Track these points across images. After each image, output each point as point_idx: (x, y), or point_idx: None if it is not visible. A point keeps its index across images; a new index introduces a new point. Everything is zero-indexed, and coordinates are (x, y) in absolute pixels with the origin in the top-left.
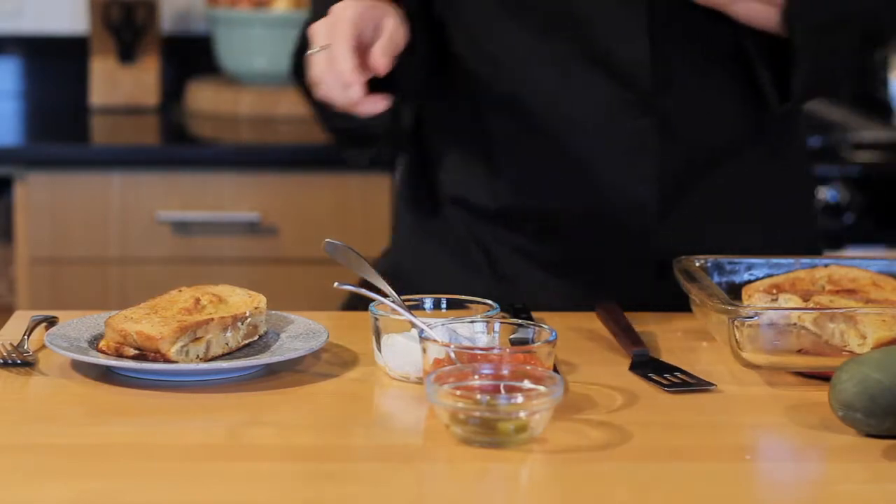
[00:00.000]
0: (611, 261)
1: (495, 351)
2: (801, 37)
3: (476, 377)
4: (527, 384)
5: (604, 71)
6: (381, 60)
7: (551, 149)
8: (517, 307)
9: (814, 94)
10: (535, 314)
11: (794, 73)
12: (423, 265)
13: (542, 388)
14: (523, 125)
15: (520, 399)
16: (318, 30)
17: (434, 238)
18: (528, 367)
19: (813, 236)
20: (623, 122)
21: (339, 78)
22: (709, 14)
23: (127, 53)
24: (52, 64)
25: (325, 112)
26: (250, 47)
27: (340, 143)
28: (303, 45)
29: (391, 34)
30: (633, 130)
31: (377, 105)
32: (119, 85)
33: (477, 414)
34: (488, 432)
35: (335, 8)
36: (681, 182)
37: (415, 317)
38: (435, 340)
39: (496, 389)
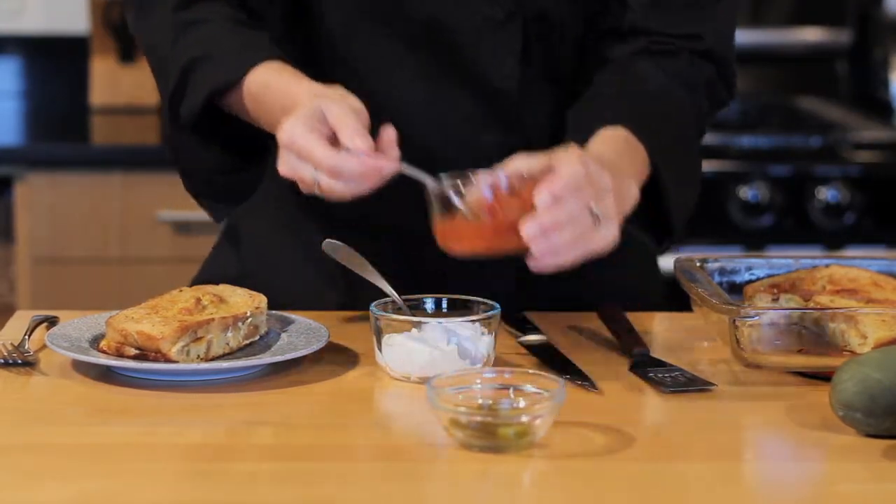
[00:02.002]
0: (471, 274)
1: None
2: (667, 176)
3: (478, 382)
4: (529, 388)
5: (471, 88)
6: (361, 142)
7: (415, 162)
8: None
9: (686, 217)
10: (530, 315)
11: (672, 210)
12: (276, 271)
13: (544, 392)
14: None
15: (522, 404)
16: (289, 164)
17: (288, 245)
18: (531, 372)
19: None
20: (489, 139)
21: (366, 178)
22: (569, 39)
23: (127, 53)
24: (53, 64)
25: (217, 161)
26: None
27: (214, 195)
28: (181, 86)
29: (348, 114)
30: (498, 147)
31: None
32: (120, 85)
33: (478, 419)
34: (489, 437)
35: (283, 137)
36: None
37: (414, 316)
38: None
39: (498, 394)
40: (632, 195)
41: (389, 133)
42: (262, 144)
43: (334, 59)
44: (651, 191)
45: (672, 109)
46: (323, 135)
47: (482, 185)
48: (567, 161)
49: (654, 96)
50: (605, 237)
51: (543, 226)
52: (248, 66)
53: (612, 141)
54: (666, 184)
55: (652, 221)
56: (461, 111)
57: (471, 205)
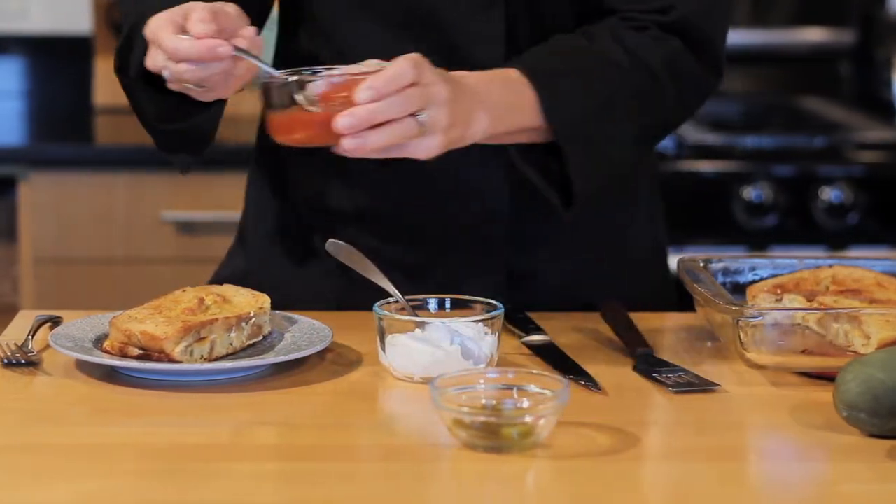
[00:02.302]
0: (464, 267)
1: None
2: (565, 131)
3: (481, 382)
4: (532, 388)
5: (458, 70)
6: (201, 27)
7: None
8: (509, 307)
9: (597, 186)
10: (535, 314)
11: (571, 170)
12: (272, 267)
13: (547, 392)
14: None
15: (525, 404)
16: (151, 57)
17: (285, 240)
18: (534, 372)
19: (659, 239)
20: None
21: (202, 56)
22: (562, 22)
23: None
24: (57, 64)
25: (159, 109)
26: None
27: (168, 146)
28: (128, 42)
29: (198, 7)
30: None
31: (250, 31)
32: None
33: (481, 419)
34: (492, 437)
35: (147, 32)
36: (533, 190)
37: (417, 316)
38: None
39: (501, 394)
40: (478, 123)
41: (248, 30)
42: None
43: (321, 44)
44: (553, 150)
45: (593, 67)
46: (179, 26)
47: (318, 81)
48: (400, 59)
49: (572, 50)
50: (426, 147)
51: (358, 119)
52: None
53: (488, 73)
54: (562, 140)
55: (558, 183)
56: None
57: (306, 97)
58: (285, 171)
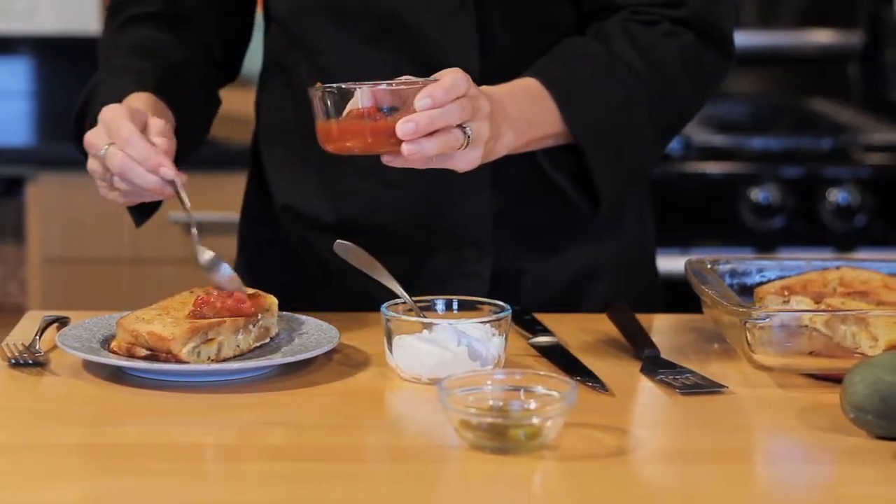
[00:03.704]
0: (448, 272)
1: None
2: (586, 138)
3: (488, 383)
4: (539, 390)
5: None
6: (163, 142)
7: (377, 156)
8: (516, 308)
9: (621, 188)
10: (541, 316)
11: (595, 174)
12: (263, 275)
13: (555, 393)
14: None
15: (532, 405)
16: (96, 134)
17: (273, 249)
18: (541, 373)
19: (647, 240)
20: None
21: (147, 163)
22: (537, 26)
23: None
24: (65, 64)
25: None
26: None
27: (136, 216)
28: (84, 108)
29: (162, 124)
30: None
31: (183, 177)
32: None
33: (488, 420)
34: (499, 438)
35: (103, 114)
36: (513, 191)
37: (425, 317)
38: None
39: (508, 395)
40: (504, 137)
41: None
42: None
43: (296, 55)
44: (575, 156)
45: (610, 71)
46: (138, 122)
47: (367, 91)
48: (450, 71)
49: (588, 56)
50: (469, 159)
51: (418, 125)
52: (118, 98)
53: (510, 86)
54: (584, 146)
55: (581, 187)
56: None
57: (354, 107)
58: (269, 180)
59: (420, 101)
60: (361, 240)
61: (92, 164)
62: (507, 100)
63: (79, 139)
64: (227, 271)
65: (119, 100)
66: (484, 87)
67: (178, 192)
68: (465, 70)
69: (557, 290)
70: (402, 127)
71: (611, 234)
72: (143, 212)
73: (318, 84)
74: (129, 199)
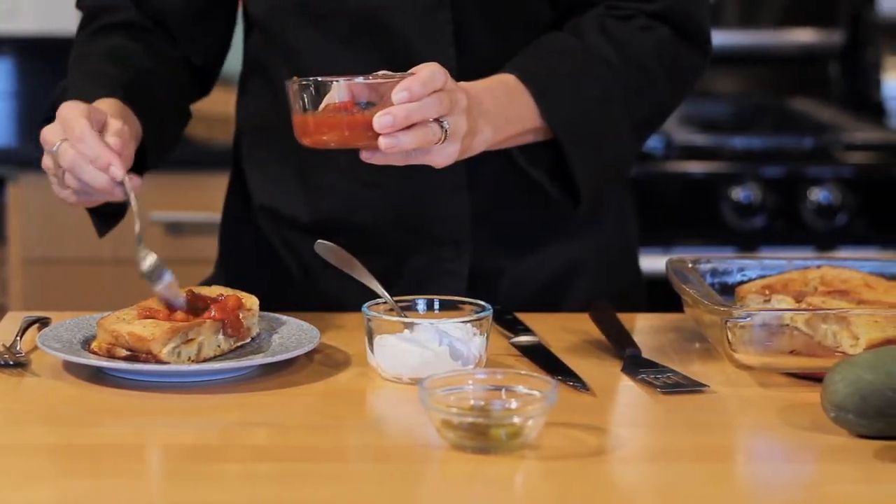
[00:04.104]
0: (426, 271)
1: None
2: (565, 132)
3: (469, 383)
4: (521, 389)
5: None
6: (116, 142)
7: (356, 155)
8: (498, 308)
9: (600, 183)
10: (523, 315)
11: (574, 167)
12: (244, 276)
13: (536, 393)
14: None
15: (514, 405)
16: (52, 130)
17: (255, 249)
18: (522, 373)
19: (629, 238)
20: None
21: (98, 161)
22: (514, 24)
23: None
24: (46, 64)
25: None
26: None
27: (97, 223)
28: (52, 113)
29: (119, 125)
30: None
31: (136, 181)
32: None
33: (470, 420)
34: (481, 438)
35: (61, 110)
36: (491, 190)
37: (406, 317)
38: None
39: (489, 395)
40: (482, 133)
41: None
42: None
43: (275, 56)
44: (552, 152)
45: (587, 66)
46: (95, 122)
47: (343, 84)
48: (427, 66)
49: (565, 52)
50: (446, 154)
51: (395, 118)
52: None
53: (487, 81)
54: (563, 141)
55: (560, 184)
56: None
57: (331, 101)
58: (248, 180)
59: (397, 94)
60: (340, 239)
61: (45, 160)
62: (484, 95)
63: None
64: (167, 278)
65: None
66: (461, 83)
67: (126, 195)
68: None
69: (537, 289)
70: (379, 120)
71: (591, 232)
72: (105, 221)
73: (295, 77)
74: (81, 200)
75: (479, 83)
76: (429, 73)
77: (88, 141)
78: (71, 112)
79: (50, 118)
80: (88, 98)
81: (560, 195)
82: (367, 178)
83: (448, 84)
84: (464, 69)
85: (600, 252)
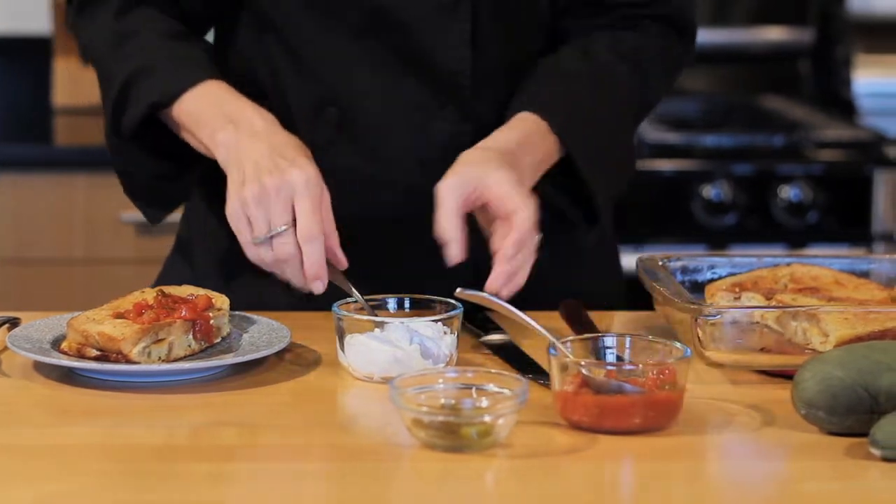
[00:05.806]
0: (422, 268)
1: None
2: (588, 165)
3: (440, 381)
4: (491, 388)
5: (422, 76)
6: (342, 259)
7: (364, 153)
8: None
9: (613, 202)
10: (492, 314)
11: (593, 190)
12: (214, 275)
13: (506, 391)
14: (338, 131)
15: (484, 403)
16: (279, 190)
17: (224, 248)
18: (493, 371)
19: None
20: (440, 128)
21: (310, 270)
22: (528, 23)
23: None
24: (16, 64)
25: (152, 170)
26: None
27: (146, 199)
28: (121, 100)
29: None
30: (450, 136)
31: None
32: (83, 85)
33: (440, 418)
34: (452, 437)
35: (303, 167)
36: None
37: (376, 316)
38: (567, 356)
39: (460, 393)
40: (527, 185)
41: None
42: (196, 154)
43: (283, 50)
44: (570, 173)
45: (603, 90)
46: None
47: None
48: (520, 210)
49: (584, 76)
50: (535, 252)
51: (508, 276)
52: (185, 86)
53: (518, 133)
54: (583, 169)
55: (574, 203)
56: (412, 99)
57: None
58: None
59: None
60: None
61: (259, 224)
62: (520, 152)
63: (117, 133)
64: None
65: (185, 88)
66: (500, 139)
67: (349, 292)
68: (457, 66)
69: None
70: (503, 290)
71: (574, 231)
72: (161, 206)
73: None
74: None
75: (514, 134)
76: (525, 218)
77: (316, 247)
78: (313, 183)
79: (119, 105)
80: (186, 82)
81: (579, 218)
82: (367, 171)
83: (530, 206)
84: (476, 70)
85: (573, 252)
